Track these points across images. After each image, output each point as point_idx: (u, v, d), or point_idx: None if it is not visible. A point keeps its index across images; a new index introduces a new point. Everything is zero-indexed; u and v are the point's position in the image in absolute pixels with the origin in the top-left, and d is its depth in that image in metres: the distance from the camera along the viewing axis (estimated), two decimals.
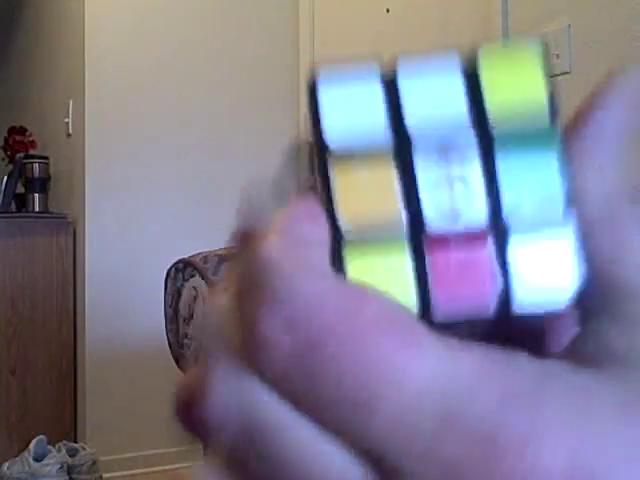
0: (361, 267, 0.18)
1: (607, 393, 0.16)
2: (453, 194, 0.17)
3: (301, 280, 0.17)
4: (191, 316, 1.46)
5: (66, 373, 2.87)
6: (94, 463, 2.61)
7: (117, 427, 2.81)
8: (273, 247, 0.17)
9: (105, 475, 2.69)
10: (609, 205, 0.17)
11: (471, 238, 0.17)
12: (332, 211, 0.18)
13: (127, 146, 2.89)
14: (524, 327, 0.19)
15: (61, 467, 2.52)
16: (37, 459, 2.52)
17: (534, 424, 0.15)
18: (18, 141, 3.31)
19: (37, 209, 3.10)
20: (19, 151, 3.26)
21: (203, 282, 1.41)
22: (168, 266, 1.53)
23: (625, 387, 0.16)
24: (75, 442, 2.76)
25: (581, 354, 0.17)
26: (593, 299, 0.17)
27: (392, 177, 0.18)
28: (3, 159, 3.41)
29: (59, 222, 2.96)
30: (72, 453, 2.60)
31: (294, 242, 0.17)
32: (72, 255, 2.92)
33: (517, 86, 0.18)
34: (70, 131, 3.01)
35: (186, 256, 1.50)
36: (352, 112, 0.18)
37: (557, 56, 2.03)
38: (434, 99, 0.18)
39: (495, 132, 0.18)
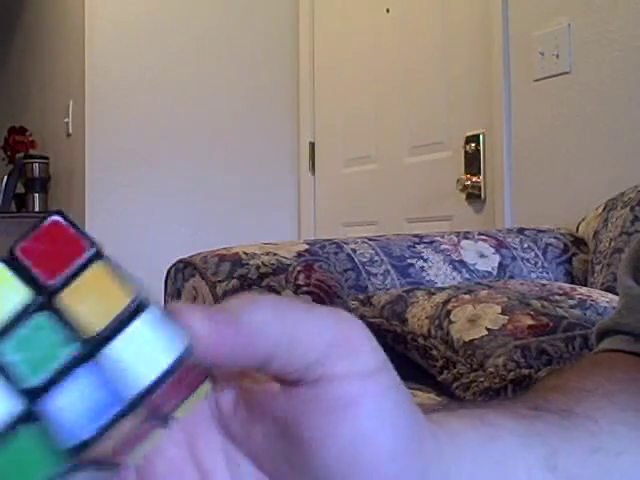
0: None
1: None
2: None
3: None
4: None
5: None
6: None
7: None
8: None
9: None
10: None
11: None
12: None
13: (127, 146, 2.89)
14: None
15: None
16: None
17: None
18: (18, 141, 3.31)
19: (37, 209, 3.10)
20: (19, 151, 3.26)
21: (203, 282, 1.41)
22: (168, 266, 1.53)
23: None
24: None
25: None
26: None
27: None
28: (3, 159, 3.41)
29: None
30: None
31: None
32: None
33: None
34: (70, 131, 3.01)
35: (186, 256, 1.49)
36: None
37: (557, 56, 2.03)
38: None
39: None
